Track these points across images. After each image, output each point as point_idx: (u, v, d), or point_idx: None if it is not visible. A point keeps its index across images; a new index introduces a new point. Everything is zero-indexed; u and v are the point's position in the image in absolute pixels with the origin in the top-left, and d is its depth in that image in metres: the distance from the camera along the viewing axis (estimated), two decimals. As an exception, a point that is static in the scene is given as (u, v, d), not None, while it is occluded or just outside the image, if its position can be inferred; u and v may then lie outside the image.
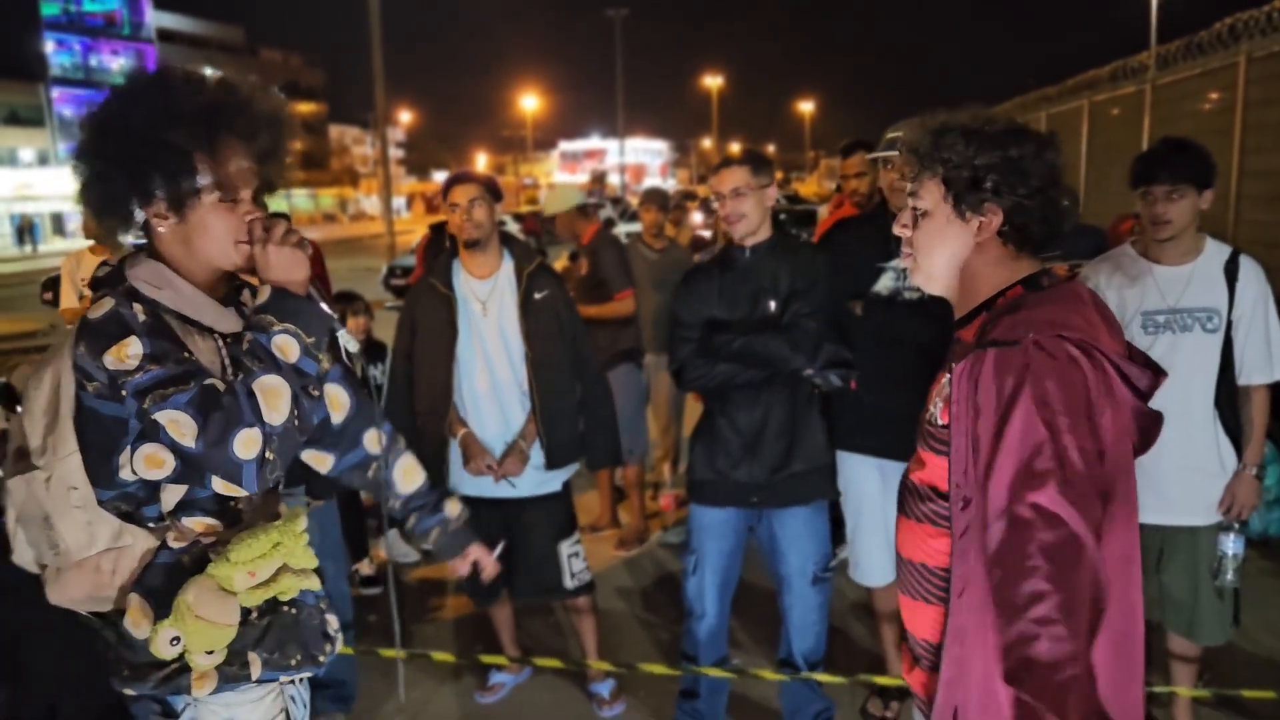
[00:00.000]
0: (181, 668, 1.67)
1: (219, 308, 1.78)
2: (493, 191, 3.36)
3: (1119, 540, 1.48)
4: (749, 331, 2.99)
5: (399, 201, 50.09)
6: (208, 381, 1.61)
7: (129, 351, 1.59)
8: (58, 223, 43.52)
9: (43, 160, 45.29)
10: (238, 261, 1.76)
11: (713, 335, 3.02)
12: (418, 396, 3.43)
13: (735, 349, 2.97)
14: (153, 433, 1.58)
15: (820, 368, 3.01)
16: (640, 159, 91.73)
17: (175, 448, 1.58)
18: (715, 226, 9.21)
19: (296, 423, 1.64)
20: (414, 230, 28.37)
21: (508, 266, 3.41)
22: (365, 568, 4.74)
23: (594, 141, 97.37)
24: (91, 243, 4.48)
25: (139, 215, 1.71)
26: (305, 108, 69.99)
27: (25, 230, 40.12)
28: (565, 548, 3.49)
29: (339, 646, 1.92)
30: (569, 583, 3.50)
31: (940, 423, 1.56)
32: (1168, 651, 3.14)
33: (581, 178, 62.64)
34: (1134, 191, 2.92)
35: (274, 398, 1.61)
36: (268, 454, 1.60)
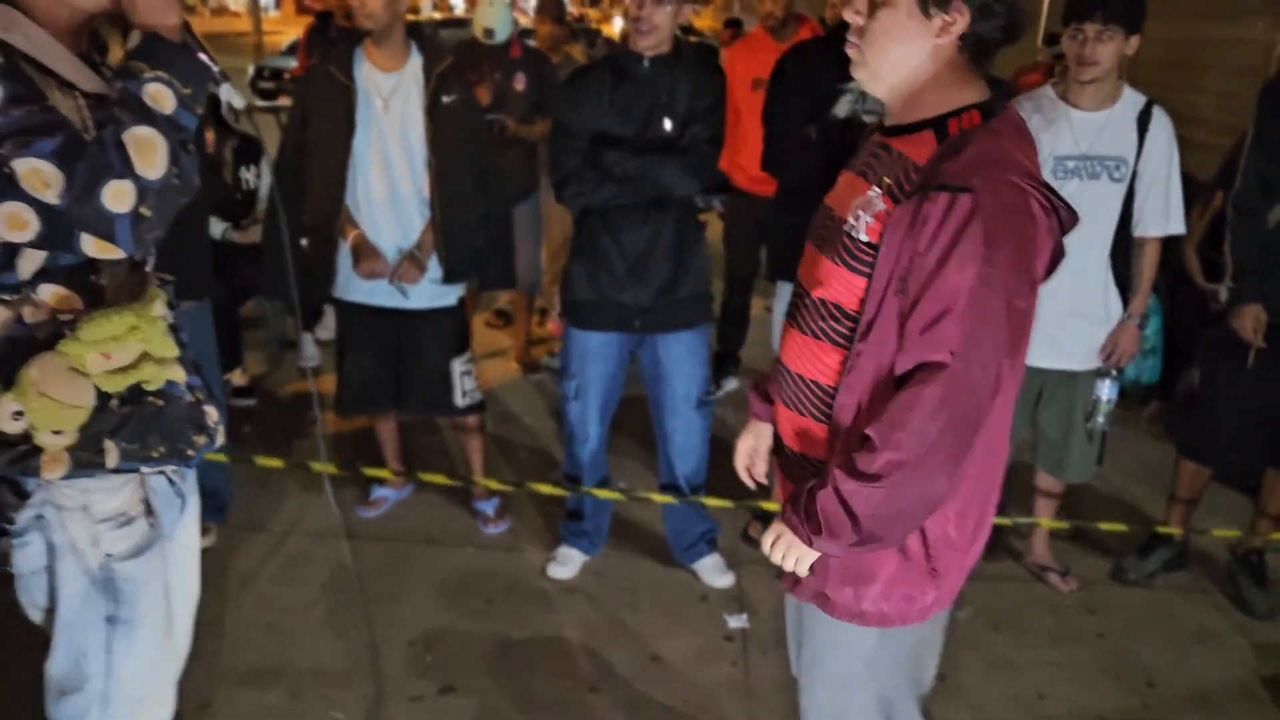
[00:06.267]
0: (33, 449, 1.55)
1: (79, 63, 1.56)
2: None
3: (1008, 387, 1.49)
4: (643, 151, 2.84)
5: (266, -2, 46.19)
6: (74, 132, 1.44)
7: None
8: None
9: None
10: (103, 2, 1.54)
11: (603, 150, 2.85)
12: (306, 195, 3.16)
13: (629, 170, 2.82)
14: (10, 186, 1.40)
15: (705, 191, 2.94)
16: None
17: (40, 205, 1.41)
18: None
19: (176, 180, 1.49)
20: (282, 31, 26.19)
21: (415, 63, 3.11)
22: (238, 378, 4.53)
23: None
24: None
25: None
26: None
27: None
28: (458, 365, 3.38)
29: (219, 439, 1.82)
30: (460, 400, 3.41)
31: (864, 239, 1.48)
32: (1034, 487, 3.33)
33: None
34: (1064, 28, 2.86)
35: (148, 150, 1.44)
36: (143, 210, 1.44)
